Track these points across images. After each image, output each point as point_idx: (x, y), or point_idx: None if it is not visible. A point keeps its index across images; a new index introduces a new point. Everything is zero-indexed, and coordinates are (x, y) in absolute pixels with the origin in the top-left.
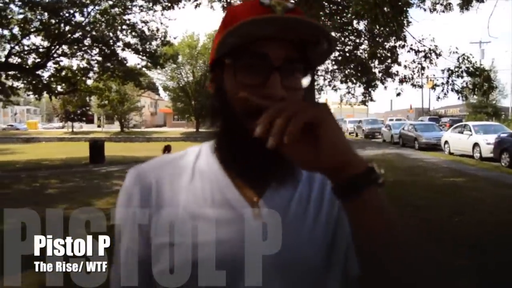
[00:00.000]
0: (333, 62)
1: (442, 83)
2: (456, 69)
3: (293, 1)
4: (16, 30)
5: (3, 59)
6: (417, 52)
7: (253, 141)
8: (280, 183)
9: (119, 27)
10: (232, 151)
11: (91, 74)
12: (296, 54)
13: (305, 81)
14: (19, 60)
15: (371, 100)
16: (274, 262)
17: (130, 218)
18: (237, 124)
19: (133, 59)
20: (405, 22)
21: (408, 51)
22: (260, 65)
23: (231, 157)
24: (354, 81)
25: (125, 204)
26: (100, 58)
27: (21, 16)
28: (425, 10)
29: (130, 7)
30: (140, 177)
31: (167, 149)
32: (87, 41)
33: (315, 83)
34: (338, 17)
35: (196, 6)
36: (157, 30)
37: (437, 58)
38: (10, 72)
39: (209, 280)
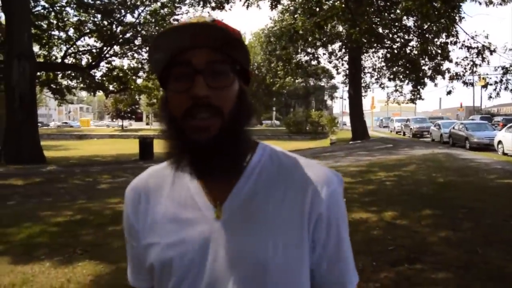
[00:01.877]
0: (381, 59)
1: (496, 82)
2: (511, 67)
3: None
4: (71, 32)
5: (59, 60)
6: (469, 48)
7: (189, 139)
8: (230, 174)
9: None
10: (177, 154)
11: (140, 74)
12: (219, 57)
13: (230, 79)
14: (74, 60)
15: (420, 98)
16: (231, 261)
17: (127, 225)
18: (176, 128)
19: None
20: (457, 17)
21: (460, 48)
22: (186, 72)
23: (179, 161)
24: (402, 78)
25: (124, 214)
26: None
27: (76, 19)
28: (480, 3)
29: (179, 7)
30: (132, 191)
31: None
32: (137, 41)
33: (249, 80)
34: (387, 14)
35: (247, 6)
36: None
37: (491, 55)
38: (66, 72)
39: (175, 279)
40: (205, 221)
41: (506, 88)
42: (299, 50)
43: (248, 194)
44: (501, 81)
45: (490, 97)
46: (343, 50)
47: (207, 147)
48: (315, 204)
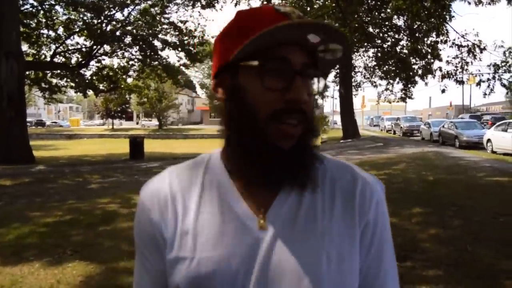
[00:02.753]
0: (372, 58)
1: (488, 79)
2: (503, 64)
3: None
4: (60, 30)
5: (48, 59)
6: (460, 47)
7: (273, 144)
8: (297, 187)
9: (159, 26)
10: (249, 155)
11: (131, 73)
12: (310, 60)
13: (318, 87)
14: (63, 59)
15: (410, 97)
16: (281, 277)
17: (148, 235)
18: (258, 128)
19: (171, 58)
20: (447, 16)
21: (451, 46)
22: (282, 70)
23: (246, 163)
24: (393, 77)
25: (142, 220)
26: (140, 57)
27: (65, 17)
28: (469, 3)
29: (169, 6)
30: (156, 193)
31: None
32: (127, 40)
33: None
34: (377, 13)
35: (236, 4)
36: (195, 29)
37: (481, 52)
38: (55, 71)
39: None
40: (247, 232)
41: (501, 84)
42: None
43: (295, 202)
44: (493, 77)
45: (485, 94)
46: None
47: (290, 155)
48: (363, 213)
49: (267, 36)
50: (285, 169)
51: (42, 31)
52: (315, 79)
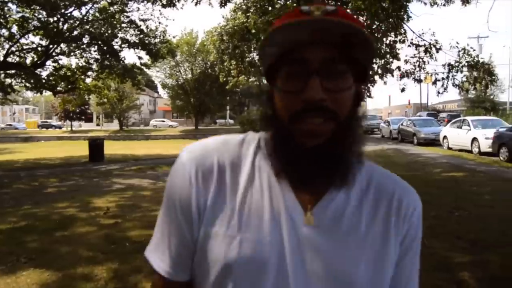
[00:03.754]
0: None
1: (443, 78)
2: (457, 64)
3: None
4: (14, 29)
5: (1, 58)
6: (417, 46)
7: (298, 146)
8: (336, 183)
9: (118, 25)
10: (280, 158)
11: (90, 73)
12: (338, 56)
13: (350, 82)
14: (18, 59)
15: (370, 96)
16: (318, 274)
17: (184, 200)
18: (284, 130)
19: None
20: (405, 16)
21: (409, 46)
22: (299, 71)
23: (281, 164)
24: None
25: (180, 183)
26: (98, 56)
27: (19, 15)
28: (425, 4)
29: (128, 3)
30: (200, 157)
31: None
32: (85, 39)
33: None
34: None
35: (196, 3)
36: (156, 28)
37: (437, 52)
38: (9, 71)
39: (244, 282)
40: (292, 224)
41: (453, 84)
42: (252, 49)
43: (340, 204)
44: (447, 77)
45: (439, 92)
46: None
47: (316, 153)
48: (404, 225)
49: (268, 43)
50: (310, 167)
51: None
52: (348, 74)
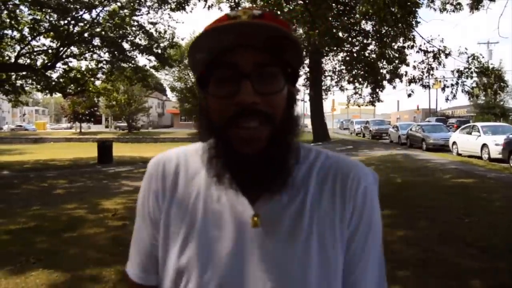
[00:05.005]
0: (341, 63)
1: (452, 84)
2: (466, 70)
3: (301, 1)
4: (26, 31)
5: (13, 60)
6: (426, 52)
7: (236, 153)
8: (276, 188)
9: (128, 28)
10: (220, 164)
11: (99, 75)
12: (268, 59)
13: (282, 84)
14: (29, 61)
15: (378, 101)
16: (268, 274)
17: (148, 201)
18: (220, 137)
19: (141, 61)
20: (414, 22)
21: (418, 51)
22: (231, 75)
23: (221, 170)
24: (362, 81)
25: (145, 188)
26: (108, 58)
27: (30, 18)
28: (435, 10)
29: (138, 8)
30: (158, 166)
31: None
32: (95, 42)
33: (296, 84)
34: (346, 18)
35: (208, 8)
36: (165, 32)
37: (446, 58)
38: (20, 73)
39: (201, 283)
40: (241, 226)
41: (462, 91)
42: None
43: (284, 203)
44: (457, 83)
45: (447, 99)
46: (304, 54)
47: (255, 160)
48: (350, 202)
49: (196, 49)
50: (252, 173)
51: (6, 32)
52: (285, 76)
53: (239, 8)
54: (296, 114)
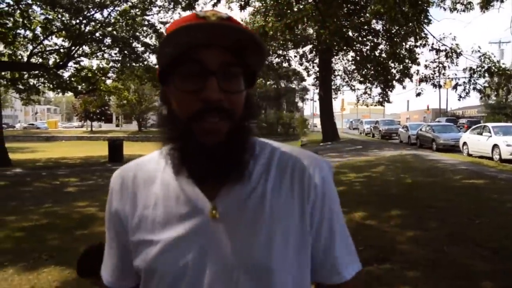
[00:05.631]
0: (351, 62)
1: (464, 83)
2: (479, 69)
3: (312, 0)
4: (38, 31)
5: (25, 59)
6: (437, 51)
7: (198, 143)
8: (233, 179)
9: (139, 28)
10: (180, 155)
11: (110, 74)
12: (233, 59)
13: (242, 85)
14: (41, 60)
15: (388, 101)
16: (232, 265)
17: (114, 217)
18: (183, 129)
19: (153, 60)
20: (425, 21)
21: (430, 50)
22: (197, 71)
23: (181, 161)
24: (372, 81)
25: (110, 205)
26: (119, 58)
27: (43, 17)
28: (445, 9)
29: (149, 8)
30: (120, 179)
31: None
32: (107, 41)
33: (255, 86)
34: (356, 17)
35: (213, 5)
36: None
37: (457, 57)
38: (32, 72)
39: (168, 283)
40: (200, 220)
41: (474, 89)
42: (270, 52)
43: (243, 193)
44: (469, 81)
45: (460, 97)
46: (314, 53)
47: (215, 151)
48: (310, 191)
49: (166, 43)
50: (211, 164)
51: (18, 31)
52: (244, 77)
53: (248, 6)
54: (254, 111)
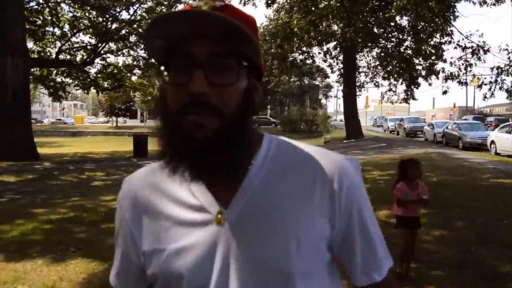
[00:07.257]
0: (376, 59)
1: (490, 82)
2: (507, 67)
3: None
4: (66, 28)
5: (53, 56)
6: (464, 48)
7: (186, 138)
8: (222, 176)
9: None
10: (171, 149)
11: (135, 71)
12: (224, 50)
13: (235, 77)
14: (68, 57)
15: (413, 98)
16: (246, 270)
17: (123, 229)
18: (171, 123)
19: None
20: (451, 17)
21: (455, 47)
22: (186, 64)
23: (171, 155)
24: (397, 78)
25: (118, 211)
26: (145, 55)
27: (70, 15)
28: (474, 3)
29: (175, 5)
30: (128, 191)
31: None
32: (132, 38)
33: (256, 79)
34: (381, 13)
35: (244, 4)
36: None
37: (485, 54)
38: (60, 69)
39: (185, 284)
40: (211, 225)
41: (501, 88)
42: (294, 49)
43: (257, 192)
44: (496, 81)
45: (485, 97)
46: (338, 49)
47: (203, 146)
48: (334, 194)
49: (150, 35)
50: (200, 159)
51: (47, 29)
52: (241, 69)
53: (275, 3)
54: (252, 107)
